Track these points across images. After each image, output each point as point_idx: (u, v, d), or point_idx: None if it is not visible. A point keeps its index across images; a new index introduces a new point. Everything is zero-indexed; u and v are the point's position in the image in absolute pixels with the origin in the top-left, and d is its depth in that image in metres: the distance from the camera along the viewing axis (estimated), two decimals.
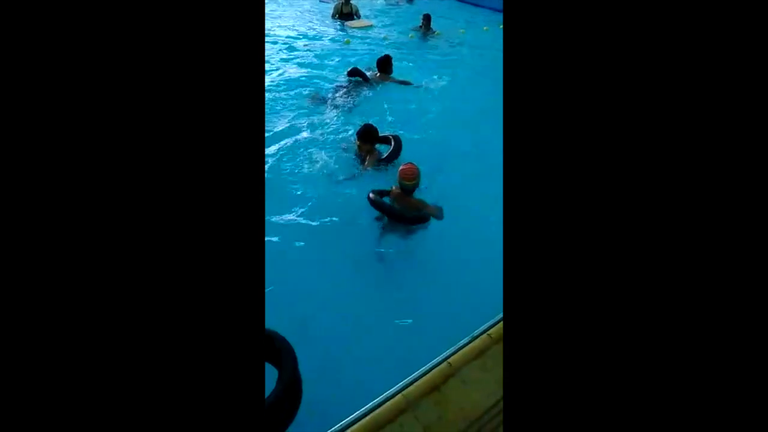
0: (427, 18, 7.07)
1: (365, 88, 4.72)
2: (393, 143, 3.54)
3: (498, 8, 8.73)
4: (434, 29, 7.14)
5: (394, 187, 2.83)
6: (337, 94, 4.57)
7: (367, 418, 1.56)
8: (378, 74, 5.01)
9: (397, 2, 9.65)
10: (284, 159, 3.56)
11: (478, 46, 6.76)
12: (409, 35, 7.03)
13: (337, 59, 5.83)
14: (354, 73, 4.81)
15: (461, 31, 7.38)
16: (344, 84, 4.77)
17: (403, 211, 2.74)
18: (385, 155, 3.47)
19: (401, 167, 2.76)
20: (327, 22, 7.64)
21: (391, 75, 5.04)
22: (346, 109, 4.35)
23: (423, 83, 5.10)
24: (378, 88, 4.78)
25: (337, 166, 3.48)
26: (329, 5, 8.62)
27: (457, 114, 4.53)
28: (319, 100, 4.45)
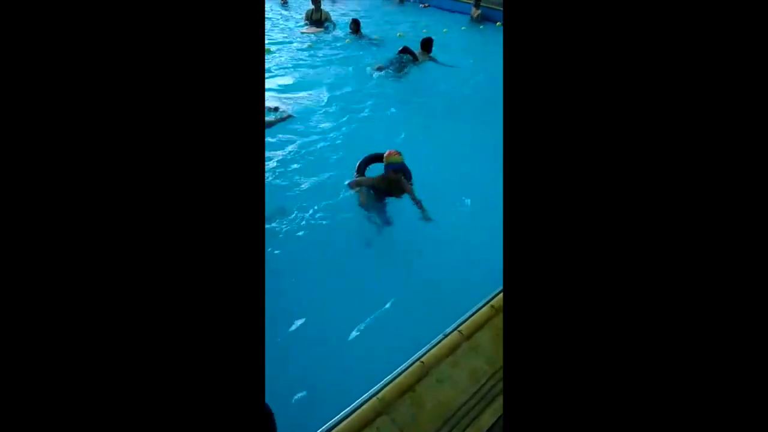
0: (354, 22, 7.24)
1: (413, 63, 5.91)
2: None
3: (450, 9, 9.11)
4: (364, 34, 7.29)
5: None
6: (392, 66, 5.80)
7: (343, 423, 1.56)
8: (422, 52, 6.14)
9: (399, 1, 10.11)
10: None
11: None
12: (346, 40, 7.08)
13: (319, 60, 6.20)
14: (405, 50, 5.93)
15: (399, 34, 7.49)
16: (397, 59, 5.90)
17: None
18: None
19: None
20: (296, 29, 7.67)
21: (431, 54, 6.21)
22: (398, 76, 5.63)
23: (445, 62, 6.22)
24: (422, 64, 6.03)
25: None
26: (289, 9, 8.69)
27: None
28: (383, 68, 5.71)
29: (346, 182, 3.11)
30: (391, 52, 6.17)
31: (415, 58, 5.90)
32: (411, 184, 3.01)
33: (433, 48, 6.27)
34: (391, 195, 3.03)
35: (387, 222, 2.97)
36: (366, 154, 3.28)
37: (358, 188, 3.03)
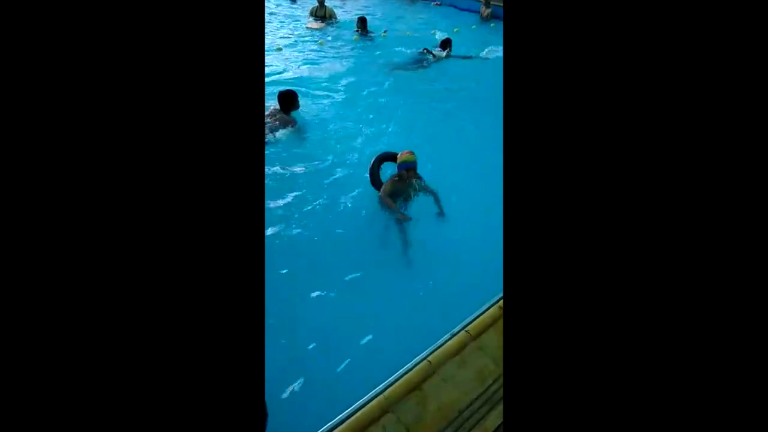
0: (362, 20, 7.31)
1: (433, 62, 6.26)
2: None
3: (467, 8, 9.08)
4: (371, 31, 7.34)
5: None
6: (417, 64, 6.24)
7: (350, 420, 1.56)
8: (441, 50, 6.51)
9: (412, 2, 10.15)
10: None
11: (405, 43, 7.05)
12: (354, 38, 7.12)
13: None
14: (426, 52, 6.41)
15: (407, 33, 7.57)
16: (420, 58, 6.34)
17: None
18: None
19: None
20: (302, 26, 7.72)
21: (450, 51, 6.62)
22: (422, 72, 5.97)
23: (480, 54, 6.61)
24: (442, 62, 6.34)
25: None
26: (296, 5, 8.77)
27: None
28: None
29: (379, 201, 3.05)
30: (398, 49, 6.23)
31: (434, 57, 6.28)
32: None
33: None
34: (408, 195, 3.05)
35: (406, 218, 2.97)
36: (377, 154, 3.28)
37: (391, 202, 2.95)
